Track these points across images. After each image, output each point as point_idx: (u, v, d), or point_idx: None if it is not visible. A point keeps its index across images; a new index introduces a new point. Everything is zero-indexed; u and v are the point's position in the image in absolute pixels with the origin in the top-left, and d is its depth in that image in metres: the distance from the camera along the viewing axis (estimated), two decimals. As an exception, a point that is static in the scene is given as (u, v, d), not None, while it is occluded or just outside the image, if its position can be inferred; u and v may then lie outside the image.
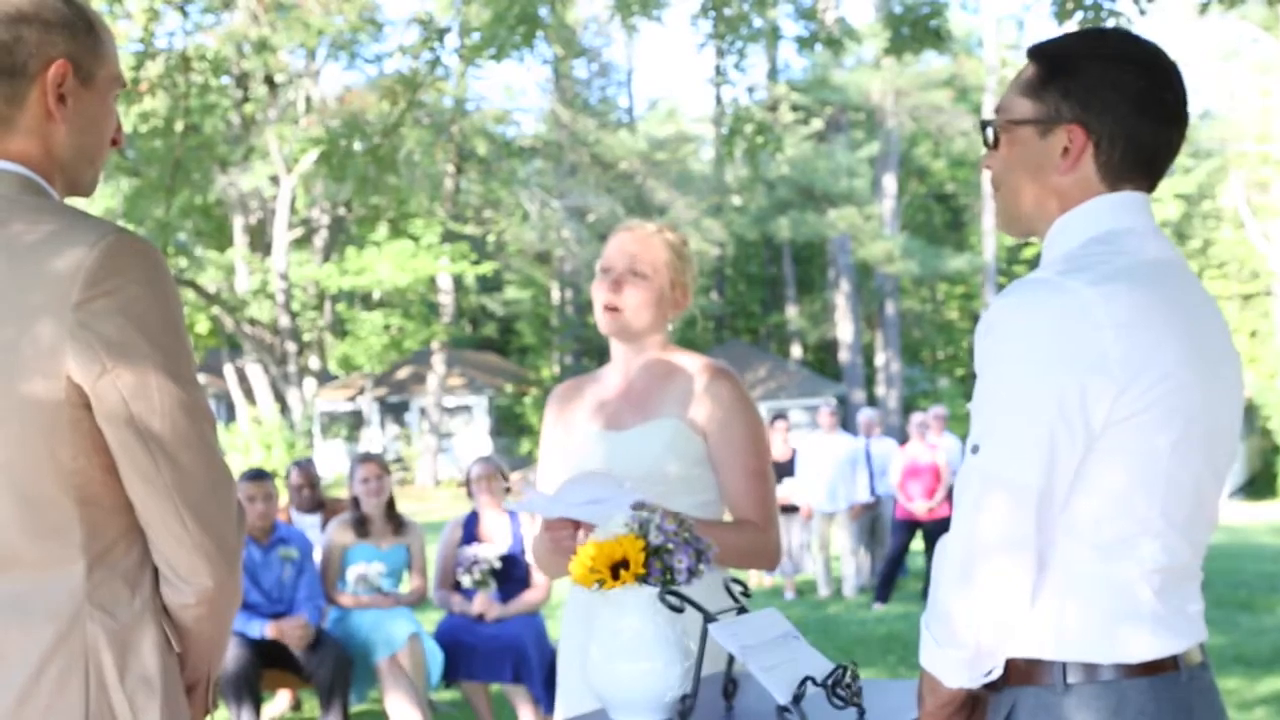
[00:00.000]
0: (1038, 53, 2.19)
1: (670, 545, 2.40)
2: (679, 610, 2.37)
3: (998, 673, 2.04)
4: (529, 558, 7.22)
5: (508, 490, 7.62)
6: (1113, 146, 2.09)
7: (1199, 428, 2.03)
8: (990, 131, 2.21)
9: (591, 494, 2.86)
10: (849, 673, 2.46)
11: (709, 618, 2.41)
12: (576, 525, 2.92)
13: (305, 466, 8.91)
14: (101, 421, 1.86)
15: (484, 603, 7.20)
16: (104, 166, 2.14)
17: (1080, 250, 2.07)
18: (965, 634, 2.00)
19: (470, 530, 7.50)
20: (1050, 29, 6.37)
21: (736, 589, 2.64)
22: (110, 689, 1.87)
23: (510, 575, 7.30)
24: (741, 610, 2.56)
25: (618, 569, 2.39)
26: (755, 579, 13.58)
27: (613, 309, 3.22)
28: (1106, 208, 2.11)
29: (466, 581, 7.22)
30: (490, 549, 7.28)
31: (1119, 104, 2.09)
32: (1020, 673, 2.04)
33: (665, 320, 3.28)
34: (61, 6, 1.96)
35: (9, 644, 1.87)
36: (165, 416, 1.86)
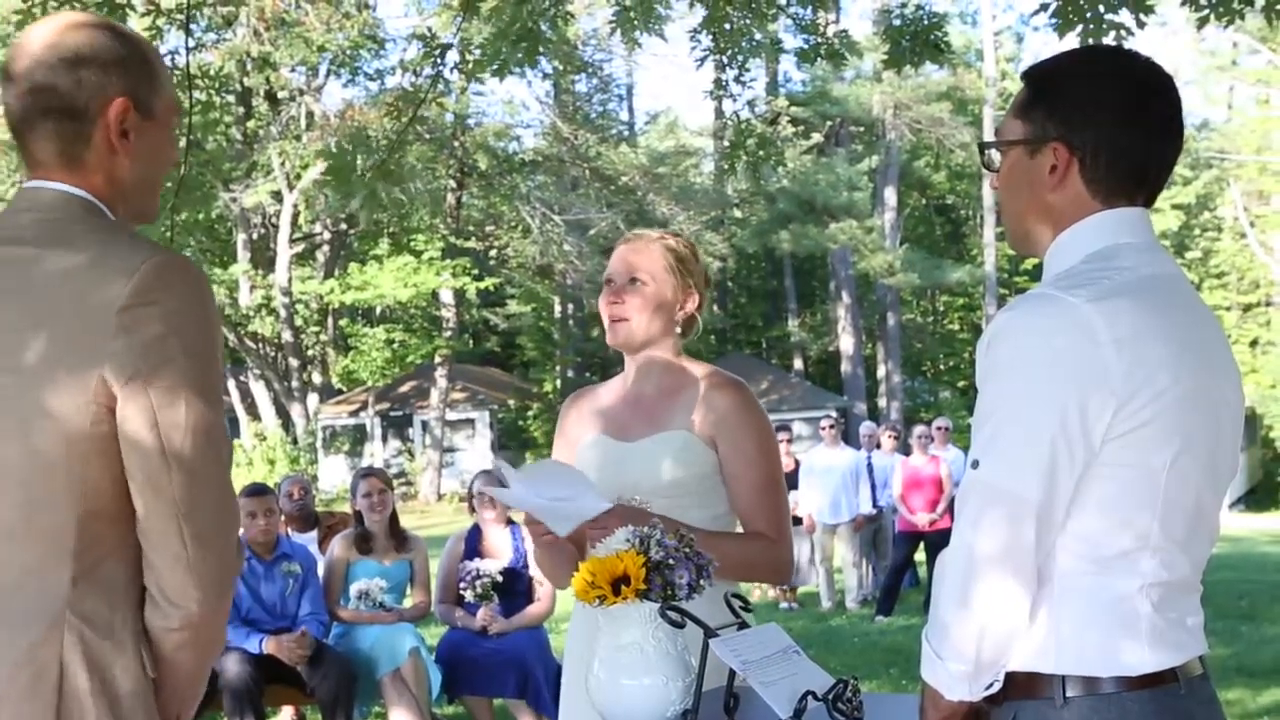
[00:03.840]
0: (1028, 74, 2.23)
1: (671, 561, 2.40)
2: (680, 626, 2.37)
3: (998, 686, 2.05)
4: (532, 571, 7.24)
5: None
6: (1097, 161, 2.11)
7: (1199, 442, 2.04)
8: (990, 154, 2.24)
9: (559, 490, 2.87)
10: (850, 687, 2.46)
11: (710, 633, 2.42)
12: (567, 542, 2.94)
13: (297, 479, 9.02)
14: (124, 426, 1.87)
15: (487, 615, 7.21)
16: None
17: (1080, 267, 2.08)
18: (966, 647, 2.01)
19: (473, 544, 7.50)
20: (1051, 42, 6.39)
21: (737, 603, 2.64)
22: (82, 702, 1.87)
23: (512, 589, 7.30)
24: (742, 625, 2.57)
25: (619, 584, 2.39)
26: (758, 591, 13.58)
27: (616, 320, 3.21)
28: (1103, 224, 2.12)
29: (469, 595, 7.22)
30: (492, 563, 7.29)
31: (1101, 119, 2.11)
32: (1020, 686, 2.05)
33: (672, 326, 3.23)
34: (117, 45, 2.03)
35: None
36: (188, 431, 1.88)
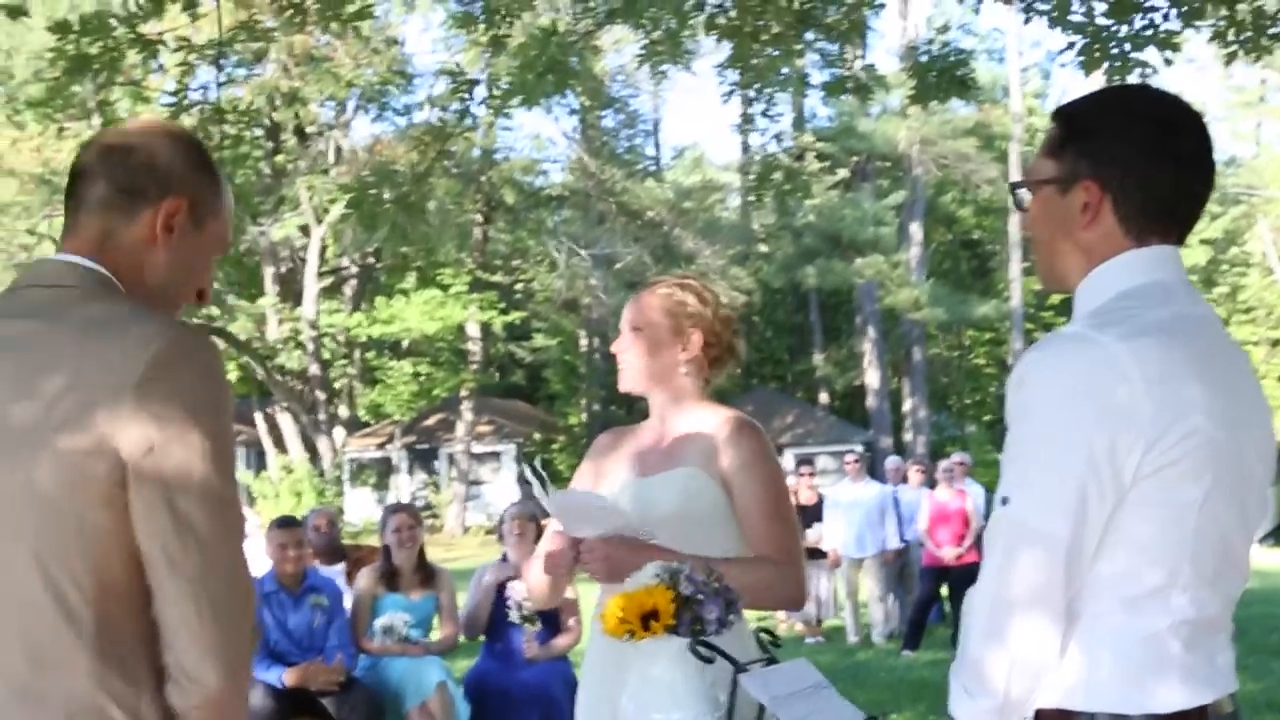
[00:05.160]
0: (1059, 113, 2.24)
1: (700, 596, 2.41)
2: (709, 661, 2.38)
3: (1027, 723, 2.04)
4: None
5: (539, 536, 7.64)
6: (1129, 199, 2.12)
7: (1228, 480, 2.04)
8: (1020, 194, 2.25)
9: (586, 507, 3.09)
10: (879, 723, 2.46)
11: (739, 668, 2.42)
12: (575, 547, 3.11)
13: (324, 512, 9.06)
14: (138, 502, 1.87)
15: (530, 645, 7.21)
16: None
17: (1110, 304, 2.09)
18: (995, 684, 2.00)
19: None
20: (1079, 78, 6.41)
21: (766, 639, 2.65)
22: None
23: (548, 618, 7.32)
24: (771, 660, 2.57)
25: (648, 619, 2.40)
26: (784, 626, 13.55)
27: (621, 366, 3.40)
28: (1134, 262, 2.13)
29: (514, 616, 7.21)
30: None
31: (1131, 157, 2.12)
32: None
33: (675, 369, 3.36)
34: (194, 154, 2.11)
35: None
36: (203, 506, 1.88)
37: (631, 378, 3.38)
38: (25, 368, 1.91)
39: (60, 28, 6.29)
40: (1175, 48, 6.43)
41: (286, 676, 6.76)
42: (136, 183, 2.04)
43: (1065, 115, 2.22)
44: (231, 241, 2.21)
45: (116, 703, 1.87)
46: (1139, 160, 2.12)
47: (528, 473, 3.26)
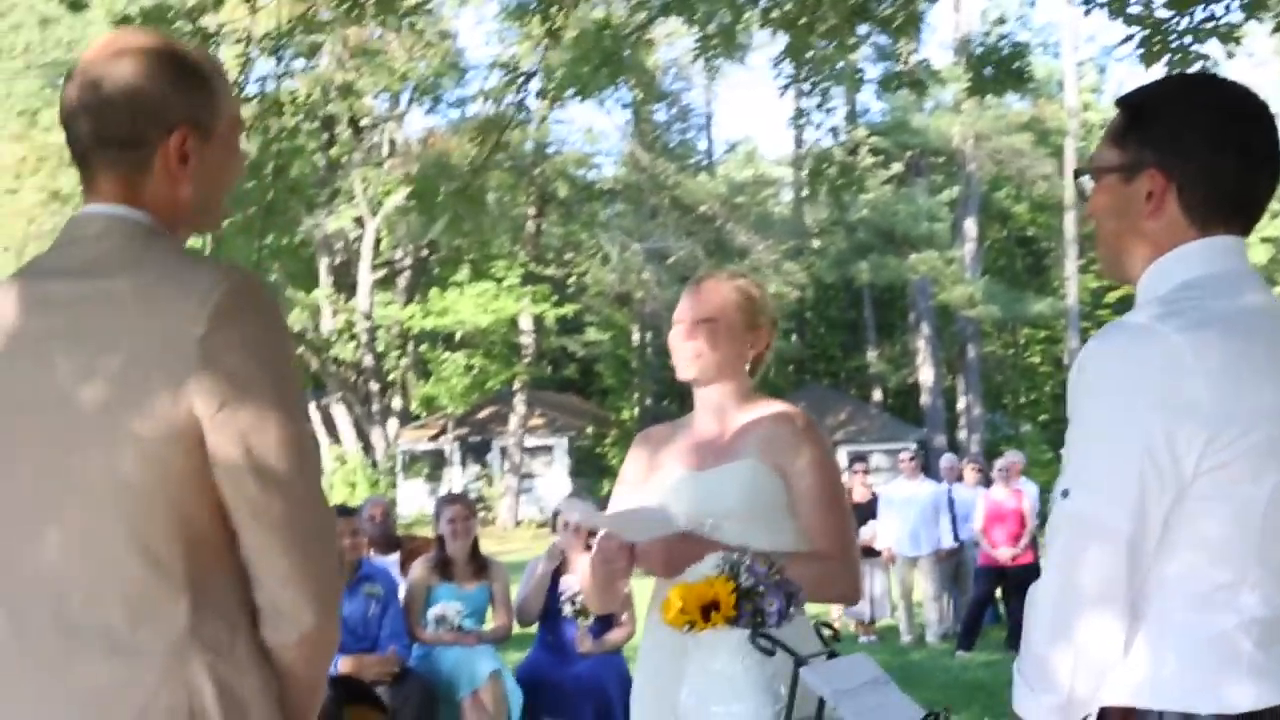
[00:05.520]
0: (1123, 102, 2.22)
1: (761, 588, 2.40)
2: (770, 653, 2.37)
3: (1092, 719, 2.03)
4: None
5: (592, 533, 7.66)
6: (1195, 190, 2.09)
7: None
8: (1082, 181, 2.23)
9: (638, 517, 3.06)
10: (941, 718, 2.45)
11: (800, 661, 2.41)
12: (630, 550, 3.09)
13: (379, 502, 9.11)
14: (216, 455, 1.88)
15: (584, 639, 7.23)
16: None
17: (1172, 295, 2.06)
18: (1059, 680, 1.99)
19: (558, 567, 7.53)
20: (1135, 73, 6.35)
21: (826, 632, 2.64)
22: None
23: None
24: (832, 654, 2.56)
25: (708, 611, 2.39)
26: (838, 624, 13.49)
27: (687, 357, 3.33)
28: (1198, 252, 2.10)
29: (568, 610, 7.22)
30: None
31: (1199, 147, 2.09)
32: None
33: (742, 363, 3.36)
34: (173, 70, 2.02)
35: (114, 682, 1.88)
36: (280, 452, 1.90)
37: (700, 368, 3.33)
38: (84, 336, 1.91)
39: (121, 21, 6.36)
40: (1237, 40, 6.35)
41: (341, 665, 6.80)
42: (136, 132, 1.99)
43: (1130, 103, 2.20)
44: (241, 121, 2.15)
45: (210, 649, 1.89)
46: (1205, 150, 2.09)
47: (572, 503, 3.28)
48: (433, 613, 7.37)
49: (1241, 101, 2.14)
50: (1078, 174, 2.25)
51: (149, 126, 1.99)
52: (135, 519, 1.89)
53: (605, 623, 7.37)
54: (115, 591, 1.90)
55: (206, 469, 1.89)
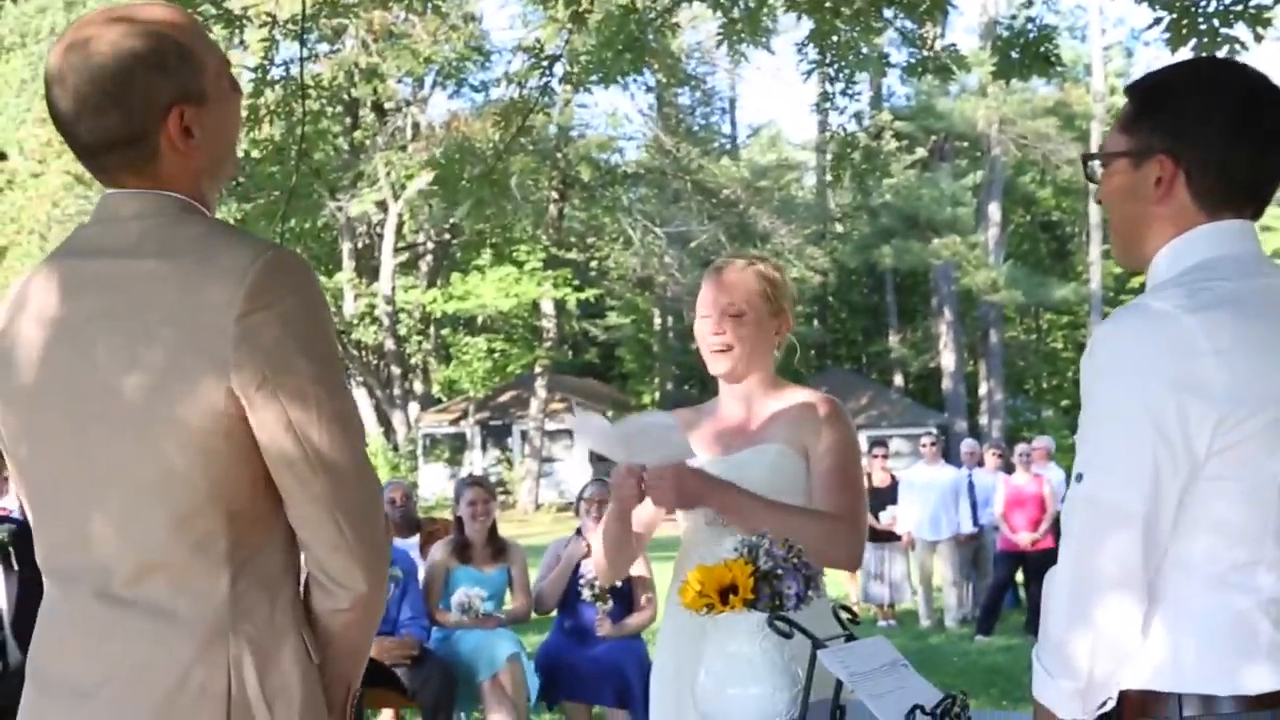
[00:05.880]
0: (1132, 88, 2.23)
1: (779, 571, 2.40)
2: (788, 636, 2.37)
3: (1111, 704, 2.02)
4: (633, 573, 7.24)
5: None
6: (1205, 174, 2.11)
7: None
8: (1092, 166, 2.25)
9: (647, 434, 3.08)
10: (958, 702, 2.44)
11: (818, 644, 2.41)
12: (639, 480, 3.10)
13: (399, 485, 9.16)
14: (260, 432, 1.91)
15: (603, 622, 7.24)
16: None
17: (1183, 278, 2.07)
18: (1078, 664, 1.99)
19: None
20: (1163, 56, 6.31)
21: (845, 616, 2.63)
22: (251, 699, 1.90)
23: (620, 595, 7.33)
24: (850, 637, 2.56)
25: (726, 594, 2.39)
26: (857, 608, 13.49)
27: (719, 351, 3.32)
28: (1208, 235, 2.11)
29: (586, 594, 7.24)
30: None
31: (1207, 132, 2.10)
32: (1135, 705, 2.01)
33: (769, 349, 3.37)
34: (149, 50, 1.98)
35: (154, 651, 1.91)
36: (322, 425, 1.92)
37: (732, 363, 3.32)
38: (123, 319, 1.92)
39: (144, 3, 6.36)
40: (1266, 23, 6.29)
41: (366, 646, 6.82)
42: (134, 124, 1.98)
43: (1140, 89, 2.22)
44: (227, 61, 2.11)
45: (249, 619, 1.92)
46: (1213, 135, 2.10)
47: (585, 419, 3.25)
48: (455, 599, 7.39)
49: (1253, 85, 2.14)
50: (1086, 160, 2.28)
51: (145, 119, 1.99)
52: (178, 501, 1.91)
53: (624, 607, 7.38)
54: (157, 568, 1.93)
55: (248, 446, 1.92)
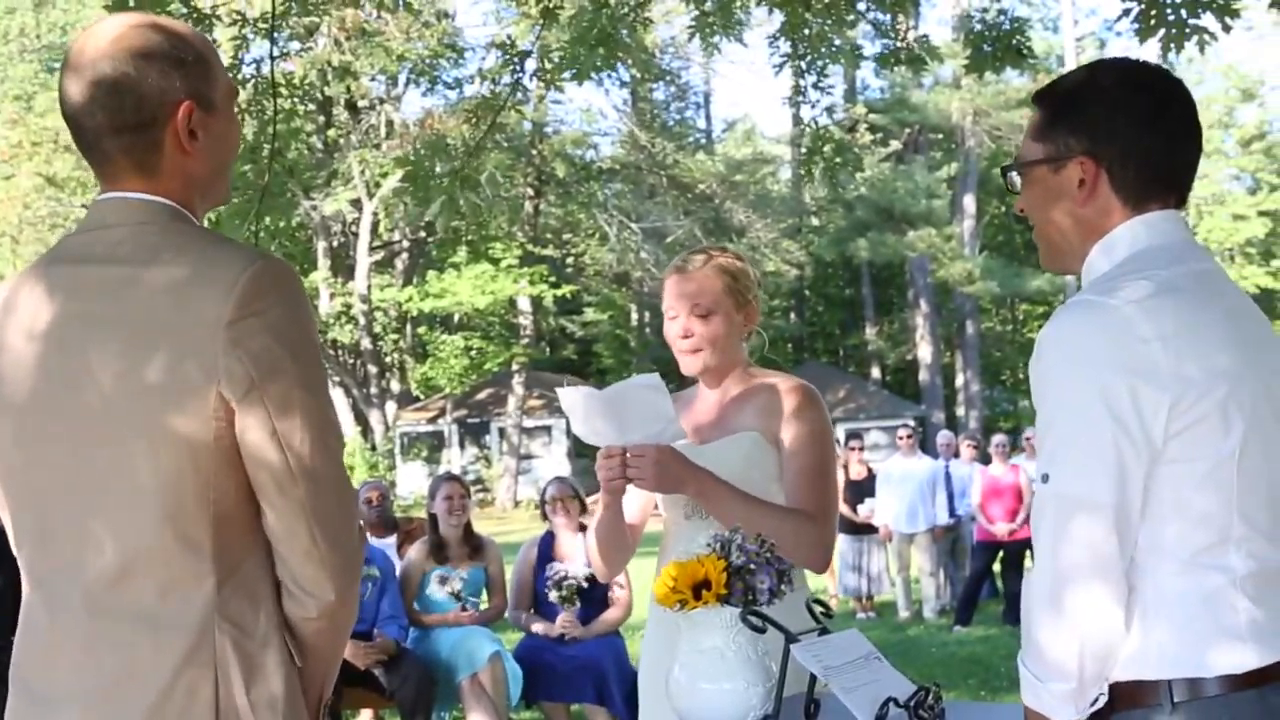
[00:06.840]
0: (1040, 96, 2.26)
1: (752, 566, 2.40)
2: (761, 631, 2.38)
3: (1104, 700, 2.02)
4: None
5: (584, 511, 7.67)
6: (1126, 169, 2.14)
7: (1263, 426, 2.03)
8: (1011, 177, 2.28)
9: (633, 404, 3.04)
10: (931, 694, 2.45)
11: (791, 638, 2.42)
12: (623, 459, 3.06)
13: (375, 485, 9.14)
14: (244, 437, 1.93)
15: (567, 622, 7.23)
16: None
17: (1117, 270, 2.10)
18: (1067, 665, 1.98)
19: (546, 550, 7.53)
20: (1133, 47, 6.29)
21: (818, 609, 2.64)
22: (238, 703, 1.92)
23: (590, 595, 7.32)
24: (823, 631, 2.56)
25: (700, 589, 2.40)
26: (835, 600, 13.53)
27: (690, 352, 3.32)
28: (1136, 228, 2.15)
29: (553, 596, 7.24)
30: (579, 566, 7.27)
31: (1124, 127, 2.14)
32: (1126, 696, 2.01)
33: (739, 342, 3.37)
34: (168, 47, 2.04)
35: (142, 656, 1.93)
36: (305, 432, 1.94)
37: (704, 363, 3.32)
38: (115, 325, 1.95)
39: (117, 3, 6.32)
40: (1234, 14, 6.31)
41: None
42: (143, 119, 2.02)
43: (1049, 96, 2.25)
44: (235, 90, 2.18)
45: (233, 622, 1.95)
46: (1130, 129, 2.14)
47: (573, 390, 3.22)
48: (434, 579, 7.43)
49: (1158, 79, 2.20)
50: (1004, 171, 2.31)
51: (158, 107, 2.02)
52: (166, 505, 1.93)
53: (595, 607, 7.36)
54: (145, 573, 1.95)
55: (235, 450, 1.94)
